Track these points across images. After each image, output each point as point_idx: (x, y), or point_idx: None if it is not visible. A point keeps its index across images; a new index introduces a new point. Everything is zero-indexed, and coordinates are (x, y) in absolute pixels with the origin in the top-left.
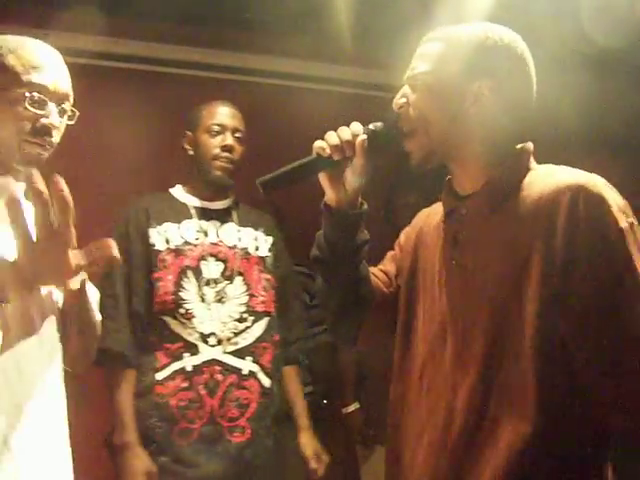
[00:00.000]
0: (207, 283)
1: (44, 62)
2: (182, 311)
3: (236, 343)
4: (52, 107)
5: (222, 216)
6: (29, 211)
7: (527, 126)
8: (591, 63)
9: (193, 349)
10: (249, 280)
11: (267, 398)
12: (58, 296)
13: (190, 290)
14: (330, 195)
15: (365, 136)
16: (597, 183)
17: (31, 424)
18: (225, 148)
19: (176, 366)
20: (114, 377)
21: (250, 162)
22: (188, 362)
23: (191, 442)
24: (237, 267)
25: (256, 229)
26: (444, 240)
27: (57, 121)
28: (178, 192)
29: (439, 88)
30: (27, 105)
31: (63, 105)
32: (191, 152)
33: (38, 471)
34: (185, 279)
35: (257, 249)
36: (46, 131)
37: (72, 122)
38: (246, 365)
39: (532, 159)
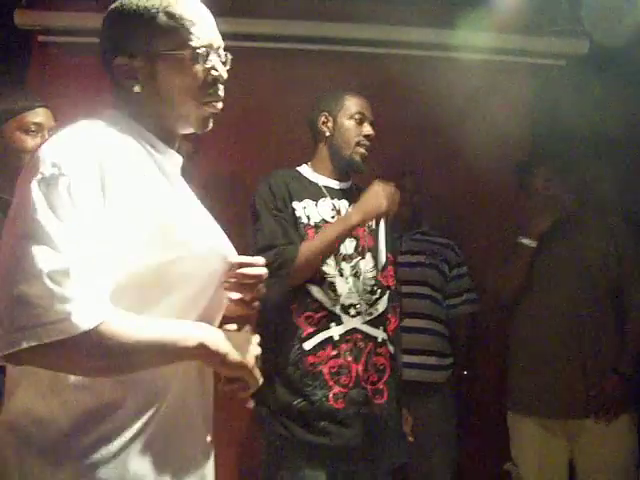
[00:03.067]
0: (344, 259)
1: (196, 13)
2: (327, 283)
3: (371, 314)
4: (214, 58)
5: (348, 196)
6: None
7: None
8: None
9: (337, 319)
10: (375, 256)
11: (395, 364)
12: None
13: (330, 265)
14: None
15: None
16: None
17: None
18: (368, 138)
19: (323, 335)
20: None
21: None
22: (335, 332)
23: (346, 405)
24: (367, 244)
25: None
26: None
27: (223, 70)
28: (306, 171)
29: None
30: (194, 60)
31: (219, 54)
32: (328, 133)
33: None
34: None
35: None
36: (216, 84)
37: (228, 67)
38: (379, 334)
39: None
